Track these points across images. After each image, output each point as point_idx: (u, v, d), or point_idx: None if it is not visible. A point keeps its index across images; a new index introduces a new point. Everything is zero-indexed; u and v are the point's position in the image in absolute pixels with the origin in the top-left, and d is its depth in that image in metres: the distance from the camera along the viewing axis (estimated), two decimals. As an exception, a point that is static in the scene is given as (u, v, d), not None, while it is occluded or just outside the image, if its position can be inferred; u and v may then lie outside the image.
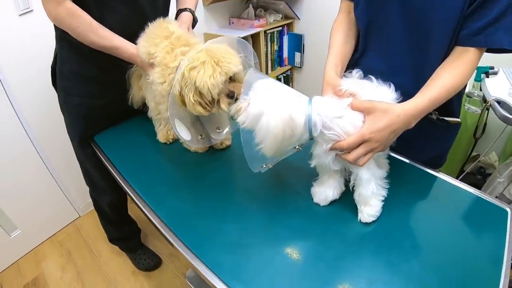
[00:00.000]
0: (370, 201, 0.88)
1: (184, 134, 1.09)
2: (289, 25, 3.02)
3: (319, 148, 0.85)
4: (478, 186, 2.16)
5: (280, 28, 2.95)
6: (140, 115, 1.44)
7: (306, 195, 0.99)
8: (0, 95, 1.79)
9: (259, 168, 0.92)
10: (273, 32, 2.92)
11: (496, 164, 2.26)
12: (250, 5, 2.82)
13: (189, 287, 0.95)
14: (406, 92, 0.89)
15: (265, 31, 2.80)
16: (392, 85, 0.90)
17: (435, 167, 1.18)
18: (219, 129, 1.23)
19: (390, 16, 0.97)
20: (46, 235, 2.33)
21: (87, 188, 1.70)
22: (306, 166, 0.93)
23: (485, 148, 2.11)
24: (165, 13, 1.37)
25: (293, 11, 2.86)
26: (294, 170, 1.10)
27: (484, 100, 1.69)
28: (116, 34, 1.12)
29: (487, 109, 1.66)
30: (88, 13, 1.07)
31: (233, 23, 2.83)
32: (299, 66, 3.18)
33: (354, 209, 0.92)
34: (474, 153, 2.34)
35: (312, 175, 0.99)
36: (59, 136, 1.51)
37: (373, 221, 0.89)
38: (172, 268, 2.06)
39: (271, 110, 0.76)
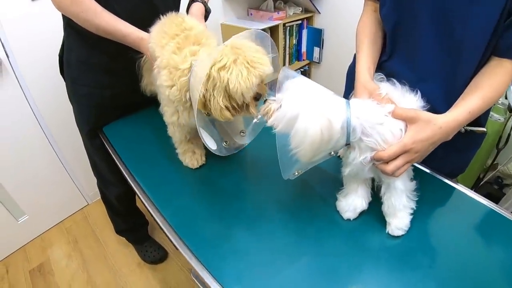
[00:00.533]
0: (400, 214, 0.83)
1: (211, 143, 0.99)
2: (309, 19, 2.93)
3: (353, 155, 0.79)
4: (495, 197, 2.09)
5: (300, 21, 2.87)
6: (153, 105, 1.38)
7: (323, 204, 0.95)
8: (12, 83, 1.78)
9: (290, 175, 0.86)
10: (292, 26, 2.84)
11: (515, 174, 2.18)
12: (270, -3, 2.75)
13: (194, 282, 0.92)
14: (433, 101, 0.86)
15: (284, 24, 2.73)
16: (419, 92, 0.86)
17: (454, 176, 1.14)
18: (243, 132, 1.14)
19: (420, 19, 0.90)
20: (53, 221, 2.34)
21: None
22: (325, 173, 0.89)
23: (505, 157, 2.02)
24: (176, 2, 1.33)
25: (313, 5, 2.78)
26: (313, 176, 1.04)
27: (510, 109, 1.61)
28: (121, 20, 1.08)
29: (515, 120, 1.58)
30: None
31: (251, 14, 2.76)
32: (318, 61, 3.10)
33: (374, 220, 0.88)
34: (490, 161, 2.26)
35: (332, 182, 0.95)
36: (70, 123, 1.49)
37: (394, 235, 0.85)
38: (177, 262, 2.04)
39: (307, 112, 0.70)
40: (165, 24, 1.01)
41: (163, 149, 1.19)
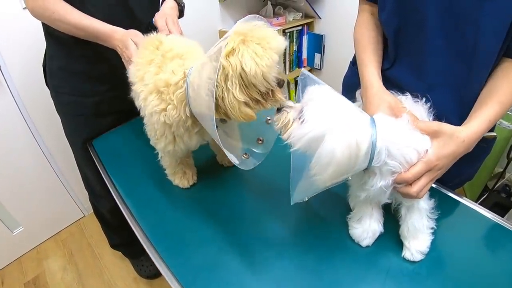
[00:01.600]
0: (421, 235, 0.76)
1: (233, 158, 0.80)
2: (309, 25, 2.88)
3: (373, 181, 0.69)
4: (503, 206, 2.03)
5: (300, 27, 2.82)
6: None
7: (327, 227, 0.88)
8: (4, 92, 1.75)
9: (300, 200, 0.77)
10: (292, 32, 2.80)
11: (524, 182, 2.12)
12: (269, 2, 2.71)
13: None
14: (444, 110, 0.81)
15: (284, 30, 2.69)
16: (429, 102, 0.81)
17: (462, 183, 1.10)
18: (260, 140, 0.93)
19: (426, 22, 0.84)
20: (49, 233, 2.30)
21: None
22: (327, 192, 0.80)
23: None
24: (153, 4, 1.29)
25: (314, 10, 2.73)
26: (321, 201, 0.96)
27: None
28: (94, 18, 1.06)
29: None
30: (68, 2, 1.05)
31: (250, 20, 2.72)
32: (319, 68, 3.05)
33: (388, 241, 0.82)
34: (498, 169, 2.20)
35: (335, 201, 0.89)
36: (64, 134, 1.45)
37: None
38: (174, 277, 1.98)
39: (335, 133, 0.60)
40: (141, 51, 0.94)
41: (154, 165, 1.11)
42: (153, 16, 1.16)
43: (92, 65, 1.23)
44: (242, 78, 0.67)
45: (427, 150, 0.69)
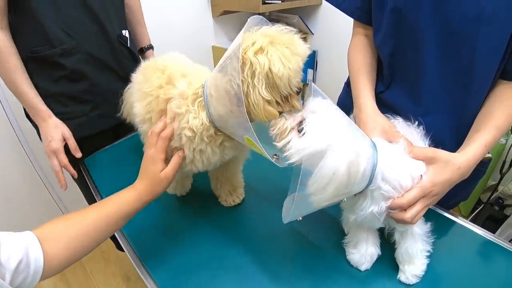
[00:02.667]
0: (416, 261, 0.75)
1: (267, 155, 0.72)
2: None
3: (363, 203, 0.68)
4: (496, 218, 2.03)
5: (293, 43, 2.83)
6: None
7: (322, 250, 0.87)
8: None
9: (293, 219, 0.73)
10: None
11: (516, 195, 2.12)
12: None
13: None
14: (440, 134, 0.81)
15: (277, 46, 2.68)
16: (422, 125, 0.80)
17: (457, 204, 1.10)
18: (276, 155, 0.80)
19: (422, 44, 0.84)
20: (40, 251, 2.24)
21: (83, 201, 1.59)
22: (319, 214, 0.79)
23: (505, 178, 1.97)
24: (120, 21, 1.30)
25: (306, 26, 2.76)
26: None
27: None
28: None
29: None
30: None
31: (244, 36, 2.74)
32: (311, 82, 3.07)
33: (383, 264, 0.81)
34: (491, 182, 2.21)
35: (329, 225, 0.88)
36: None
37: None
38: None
39: (338, 150, 0.58)
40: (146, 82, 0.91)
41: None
42: (120, 29, 1.27)
43: (72, 84, 1.20)
44: (268, 77, 0.66)
45: (421, 176, 0.69)
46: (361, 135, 0.67)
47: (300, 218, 0.74)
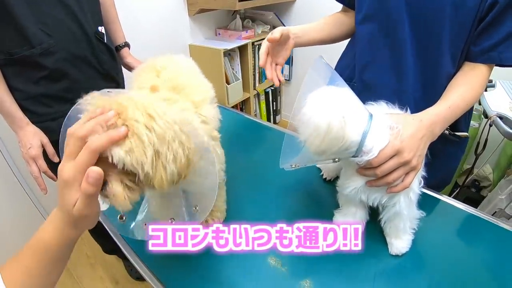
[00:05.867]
0: (403, 236, 0.80)
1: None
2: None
3: (350, 171, 0.75)
4: (474, 200, 2.13)
5: (268, 39, 2.86)
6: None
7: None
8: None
9: (287, 165, 0.78)
10: (261, 44, 2.81)
11: (491, 176, 2.24)
12: (238, 16, 2.74)
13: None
14: (420, 106, 0.85)
15: (253, 43, 2.72)
16: (395, 104, 0.83)
17: (441, 188, 1.14)
18: (196, 208, 0.75)
19: (398, 24, 0.91)
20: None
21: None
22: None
23: (480, 160, 2.07)
24: (94, 17, 1.30)
25: (281, 22, 2.80)
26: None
27: (485, 115, 1.65)
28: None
29: (490, 125, 1.60)
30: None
31: (219, 34, 2.74)
32: (288, 79, 3.11)
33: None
34: (466, 166, 2.31)
35: None
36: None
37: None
38: None
39: (322, 106, 0.65)
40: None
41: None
42: (96, 25, 1.27)
43: (53, 83, 1.18)
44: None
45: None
46: (360, 107, 0.70)
47: (293, 166, 0.78)
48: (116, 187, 0.51)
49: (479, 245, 0.86)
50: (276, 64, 1.03)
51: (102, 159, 0.49)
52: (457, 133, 1.02)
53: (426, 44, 0.90)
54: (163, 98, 0.72)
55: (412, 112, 0.81)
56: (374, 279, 0.76)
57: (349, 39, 1.16)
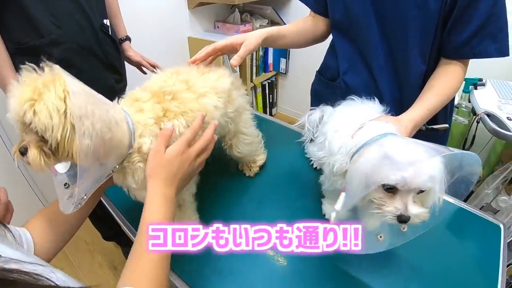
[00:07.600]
0: None
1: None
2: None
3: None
4: (462, 195, 2.17)
5: (266, 33, 2.88)
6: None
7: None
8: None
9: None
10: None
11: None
12: (236, 10, 2.77)
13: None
14: (400, 104, 0.92)
15: (251, 37, 2.73)
16: (376, 99, 0.87)
17: None
18: None
19: (367, 28, 0.96)
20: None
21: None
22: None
23: (469, 157, 2.13)
24: (100, 11, 1.35)
25: (279, 17, 2.83)
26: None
27: (474, 112, 1.70)
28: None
29: (477, 122, 1.66)
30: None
31: (218, 27, 2.77)
32: (284, 72, 3.15)
33: None
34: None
35: None
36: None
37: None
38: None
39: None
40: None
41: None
42: (101, 18, 1.34)
43: None
44: None
45: None
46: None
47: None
48: (32, 152, 0.60)
49: (466, 237, 0.91)
50: None
51: (30, 130, 0.58)
52: (435, 126, 1.06)
53: (395, 45, 0.95)
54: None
55: (395, 111, 0.84)
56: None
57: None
